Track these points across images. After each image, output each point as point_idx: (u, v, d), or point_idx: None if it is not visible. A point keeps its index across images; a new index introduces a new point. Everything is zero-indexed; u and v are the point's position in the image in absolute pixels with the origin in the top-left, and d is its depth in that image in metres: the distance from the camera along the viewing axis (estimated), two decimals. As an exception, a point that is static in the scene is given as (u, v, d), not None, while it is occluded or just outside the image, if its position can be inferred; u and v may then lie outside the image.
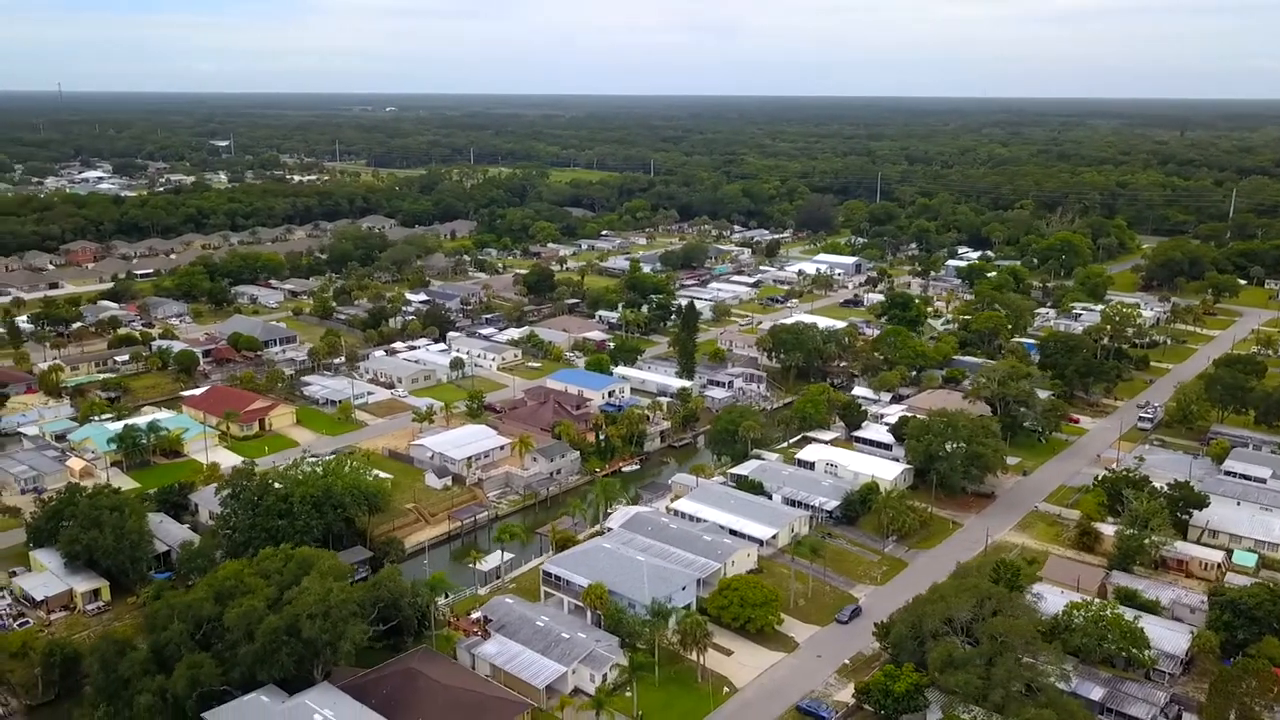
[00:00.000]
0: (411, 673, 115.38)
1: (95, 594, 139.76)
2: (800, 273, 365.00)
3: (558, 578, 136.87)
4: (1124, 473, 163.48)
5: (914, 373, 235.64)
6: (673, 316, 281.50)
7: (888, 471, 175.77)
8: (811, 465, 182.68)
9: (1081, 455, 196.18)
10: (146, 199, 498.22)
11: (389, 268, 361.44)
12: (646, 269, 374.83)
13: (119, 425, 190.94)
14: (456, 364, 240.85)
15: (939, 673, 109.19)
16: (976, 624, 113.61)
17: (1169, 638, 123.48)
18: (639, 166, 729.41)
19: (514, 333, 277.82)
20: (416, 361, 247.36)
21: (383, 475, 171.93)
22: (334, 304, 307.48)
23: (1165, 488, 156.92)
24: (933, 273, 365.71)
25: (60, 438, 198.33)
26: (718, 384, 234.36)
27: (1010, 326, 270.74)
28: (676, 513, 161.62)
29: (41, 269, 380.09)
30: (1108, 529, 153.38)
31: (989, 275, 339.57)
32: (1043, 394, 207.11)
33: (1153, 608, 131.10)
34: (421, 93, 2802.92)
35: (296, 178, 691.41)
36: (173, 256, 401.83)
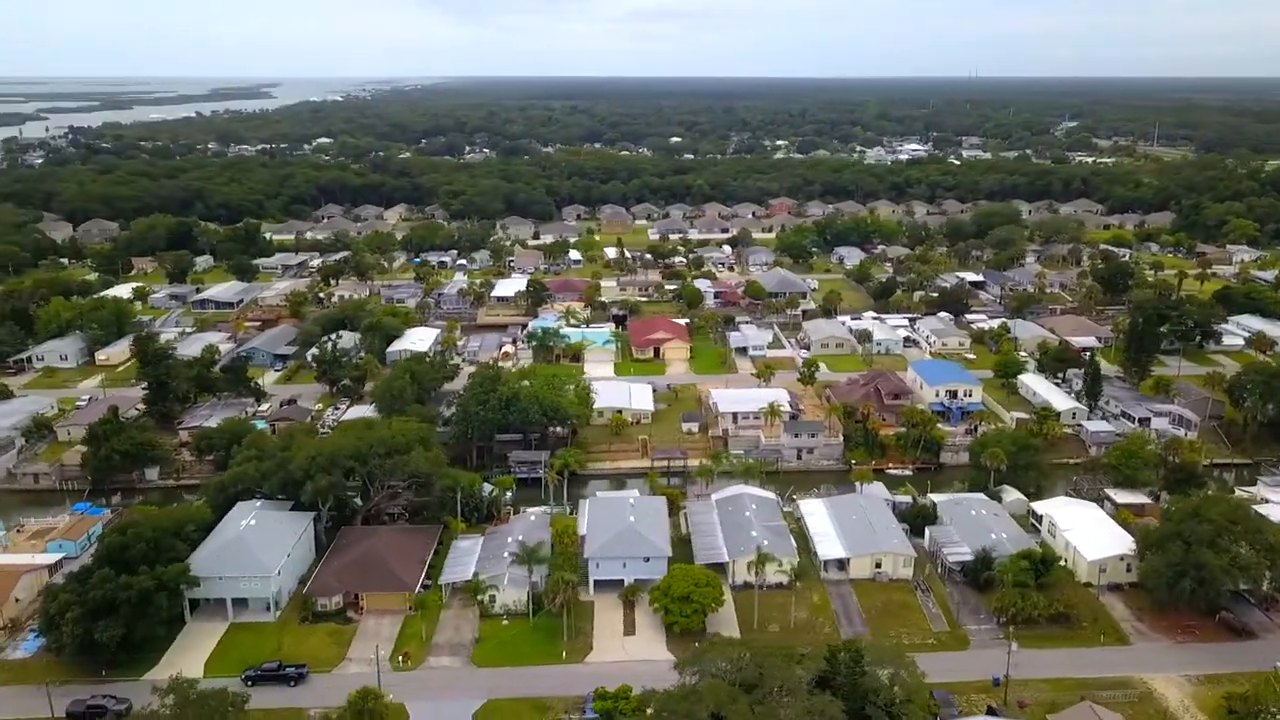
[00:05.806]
0: (372, 532, 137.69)
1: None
2: None
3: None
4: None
5: None
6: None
7: (1100, 549, 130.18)
8: (1039, 519, 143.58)
9: None
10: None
11: (984, 247, 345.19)
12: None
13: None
14: (863, 337, 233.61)
15: None
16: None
17: None
18: None
19: (995, 323, 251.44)
20: (849, 330, 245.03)
21: (629, 408, 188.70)
22: (875, 270, 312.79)
23: None
24: None
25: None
26: (1127, 417, 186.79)
27: None
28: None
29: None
30: None
31: None
32: None
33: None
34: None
35: (1088, 160, 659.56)
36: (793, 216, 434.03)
